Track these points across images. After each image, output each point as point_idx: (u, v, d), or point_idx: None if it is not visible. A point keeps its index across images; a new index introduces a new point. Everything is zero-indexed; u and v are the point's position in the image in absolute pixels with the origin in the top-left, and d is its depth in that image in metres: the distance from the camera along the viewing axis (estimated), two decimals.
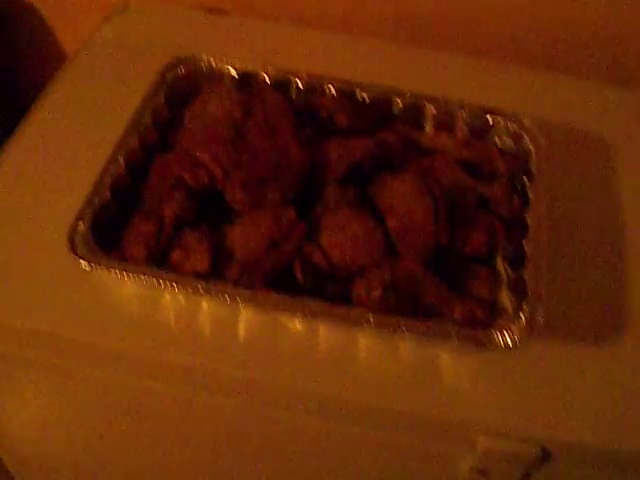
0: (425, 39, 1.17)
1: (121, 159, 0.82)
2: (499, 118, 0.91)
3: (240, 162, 0.79)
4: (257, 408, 0.80)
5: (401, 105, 0.92)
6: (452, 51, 1.07)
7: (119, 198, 0.80)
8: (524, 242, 0.78)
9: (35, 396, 0.93)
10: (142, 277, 0.73)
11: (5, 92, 1.43)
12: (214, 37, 1.06)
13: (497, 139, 0.91)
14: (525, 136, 0.88)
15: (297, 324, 0.76)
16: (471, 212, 0.82)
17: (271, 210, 0.78)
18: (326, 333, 0.76)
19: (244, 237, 0.76)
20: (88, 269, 0.74)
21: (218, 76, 0.94)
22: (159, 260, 0.77)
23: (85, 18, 1.19)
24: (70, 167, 0.88)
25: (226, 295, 0.72)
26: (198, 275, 0.74)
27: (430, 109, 0.92)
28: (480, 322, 0.74)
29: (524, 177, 0.86)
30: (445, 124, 0.92)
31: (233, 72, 0.94)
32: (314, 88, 0.93)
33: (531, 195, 0.83)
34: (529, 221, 0.80)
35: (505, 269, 0.80)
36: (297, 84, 0.93)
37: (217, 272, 0.75)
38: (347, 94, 0.92)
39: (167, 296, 0.78)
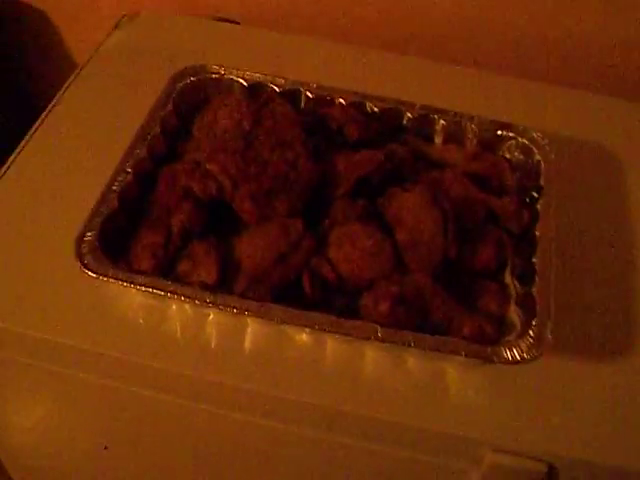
0: (435, 52, 1.18)
1: (129, 169, 0.82)
2: (508, 131, 0.90)
3: (249, 173, 0.79)
4: (262, 420, 0.79)
5: (411, 117, 0.92)
6: (462, 64, 1.07)
7: (127, 208, 0.80)
8: (533, 257, 0.78)
9: (39, 404, 0.93)
10: (149, 288, 0.73)
11: (15, 100, 1.44)
12: (224, 47, 1.06)
13: (506, 152, 0.90)
14: (534, 149, 0.88)
15: (304, 337, 0.76)
16: (480, 226, 0.81)
17: (279, 222, 0.77)
18: (333, 346, 0.76)
19: (252, 249, 0.76)
20: (95, 279, 0.73)
21: (227, 86, 0.94)
22: (166, 271, 0.76)
23: (95, 27, 1.19)
24: (78, 176, 0.88)
25: (233, 307, 0.72)
26: (205, 286, 0.74)
27: (440, 122, 0.92)
28: (489, 338, 0.73)
29: (533, 191, 0.85)
30: (454, 137, 0.92)
31: (242, 82, 0.94)
32: (323, 99, 0.92)
33: (540, 209, 0.82)
34: (538, 236, 0.80)
35: (514, 284, 0.79)
36: (306, 95, 0.93)
37: (224, 284, 0.75)
38: (357, 106, 0.91)
39: (174, 307, 0.77)
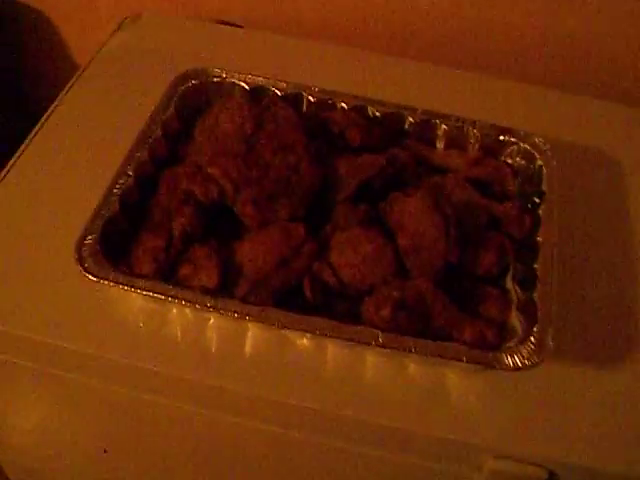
0: (438, 56, 1.17)
1: (131, 172, 0.82)
2: (510, 136, 0.90)
3: (250, 177, 0.78)
4: (263, 425, 0.79)
5: (412, 122, 0.92)
6: (465, 69, 1.06)
7: (128, 211, 0.80)
8: (535, 263, 0.78)
9: (39, 407, 0.93)
10: (150, 292, 0.73)
11: (16, 101, 1.44)
12: (226, 50, 1.06)
13: (508, 157, 0.90)
14: (536, 155, 0.88)
15: (305, 342, 0.76)
16: (482, 231, 0.81)
17: (281, 226, 0.77)
18: (334, 351, 0.76)
19: (253, 253, 0.76)
20: (95, 282, 0.73)
21: (229, 89, 0.94)
22: (167, 274, 0.76)
23: (96, 28, 1.19)
24: (79, 179, 0.88)
25: (234, 312, 0.72)
26: (206, 291, 0.73)
27: (441, 126, 0.92)
28: (490, 343, 0.73)
29: (535, 196, 0.85)
30: (456, 142, 0.92)
31: (244, 85, 0.94)
32: (325, 103, 0.92)
33: (542, 215, 0.82)
34: (540, 241, 0.80)
35: (515, 290, 0.79)
36: (308, 99, 0.93)
37: (226, 288, 0.75)
38: (358, 110, 0.91)
39: (174, 311, 0.77)
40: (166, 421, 0.85)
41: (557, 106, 1.02)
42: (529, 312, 0.75)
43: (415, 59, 1.08)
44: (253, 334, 0.76)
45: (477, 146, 0.91)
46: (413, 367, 0.75)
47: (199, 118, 0.89)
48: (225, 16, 1.24)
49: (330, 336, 0.72)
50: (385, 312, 0.72)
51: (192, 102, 0.92)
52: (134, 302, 0.77)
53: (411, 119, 0.92)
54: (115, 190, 0.80)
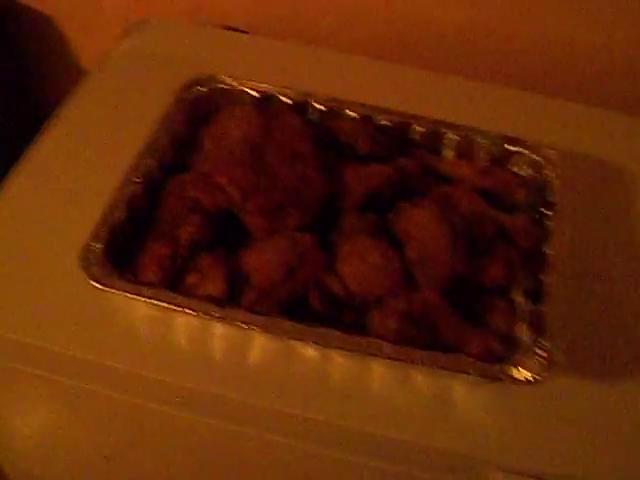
0: (447, 65, 1.17)
1: (138, 179, 0.81)
2: (518, 146, 0.90)
3: (258, 186, 0.78)
4: (267, 435, 0.79)
5: (420, 131, 0.91)
6: (474, 78, 1.06)
7: (135, 218, 0.79)
8: (543, 274, 0.77)
9: (41, 414, 0.93)
10: (155, 300, 0.72)
11: (22, 106, 1.44)
12: (233, 57, 1.06)
13: (517, 168, 0.90)
14: (545, 165, 0.88)
15: (311, 352, 0.75)
16: (489, 242, 0.81)
17: (289, 236, 0.77)
18: (340, 362, 0.76)
19: (261, 263, 0.75)
20: (101, 290, 0.73)
21: (237, 97, 0.93)
22: (173, 283, 0.76)
23: (103, 33, 1.19)
24: (86, 186, 0.87)
25: (240, 322, 0.71)
26: (213, 300, 0.73)
27: (449, 136, 0.91)
28: (497, 356, 0.72)
29: (543, 207, 0.85)
30: (464, 152, 0.91)
31: (252, 93, 0.93)
32: (333, 112, 0.92)
33: (551, 226, 0.82)
34: (548, 253, 0.79)
35: (522, 302, 0.78)
36: (316, 107, 0.92)
37: (232, 297, 0.74)
38: (366, 119, 0.91)
39: (180, 319, 0.77)
40: (168, 429, 0.85)
41: (566, 116, 1.02)
42: (537, 324, 0.74)
43: (424, 67, 1.08)
44: (259, 343, 0.76)
45: (485, 156, 0.91)
46: (419, 379, 0.75)
47: (207, 125, 0.89)
48: (230, 21, 1.24)
49: (336, 347, 0.71)
50: (392, 324, 0.72)
51: (200, 109, 0.92)
52: (139, 310, 0.77)
53: (419, 128, 0.91)
54: (122, 197, 0.79)
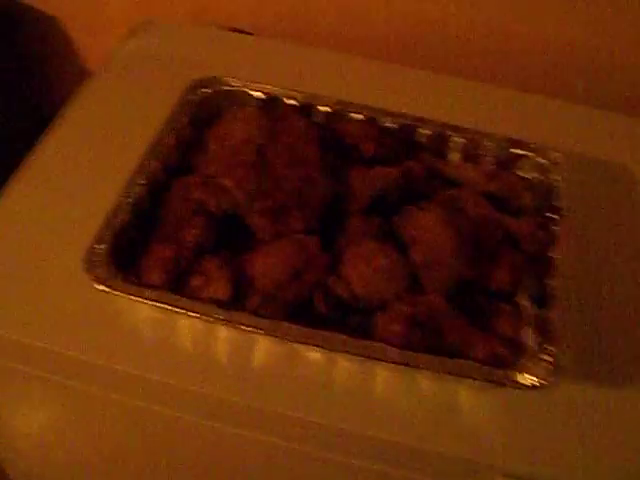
0: (453, 67, 1.17)
1: (142, 180, 0.81)
2: (525, 150, 0.89)
3: (263, 188, 0.78)
4: (270, 438, 0.78)
5: (426, 134, 0.91)
6: (480, 81, 1.05)
7: (139, 220, 0.79)
8: (549, 279, 0.77)
9: (44, 415, 0.93)
10: (159, 303, 0.72)
11: (27, 107, 1.43)
12: (238, 58, 1.05)
13: (523, 171, 0.89)
14: (552, 169, 0.87)
15: (316, 355, 0.75)
16: (495, 246, 0.80)
17: (294, 239, 0.77)
18: (345, 366, 0.75)
19: (266, 266, 0.75)
20: (105, 292, 0.73)
21: (242, 98, 0.93)
22: (178, 285, 0.75)
23: (107, 34, 1.19)
24: (90, 187, 0.87)
25: (245, 325, 0.71)
26: (217, 303, 0.73)
27: (455, 139, 0.91)
28: (503, 361, 0.72)
29: (550, 211, 0.84)
30: (471, 155, 0.91)
31: (257, 94, 0.93)
32: (339, 114, 0.92)
33: (557, 230, 0.82)
34: (555, 257, 0.79)
35: (528, 306, 0.78)
36: (322, 109, 0.92)
37: (236, 300, 0.74)
38: (372, 121, 0.91)
39: (184, 322, 0.76)
40: (172, 432, 0.85)
41: (574, 119, 1.01)
42: (543, 329, 0.74)
43: (430, 70, 1.07)
44: (263, 347, 0.76)
45: (491, 159, 0.90)
46: (424, 383, 0.75)
47: (211, 127, 0.89)
48: (235, 23, 1.23)
49: (341, 351, 0.71)
50: (397, 328, 0.72)
51: (204, 111, 0.91)
52: (143, 312, 0.77)
53: (425, 131, 0.91)
54: (126, 199, 0.79)
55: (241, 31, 1.20)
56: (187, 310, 0.72)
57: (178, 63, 1.03)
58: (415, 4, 1.15)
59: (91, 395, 0.81)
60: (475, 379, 0.70)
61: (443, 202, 0.82)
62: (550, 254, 0.80)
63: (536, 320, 0.76)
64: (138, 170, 0.82)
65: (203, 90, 0.93)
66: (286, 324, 0.71)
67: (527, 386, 0.69)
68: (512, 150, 0.90)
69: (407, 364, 0.70)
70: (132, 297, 0.73)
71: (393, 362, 0.70)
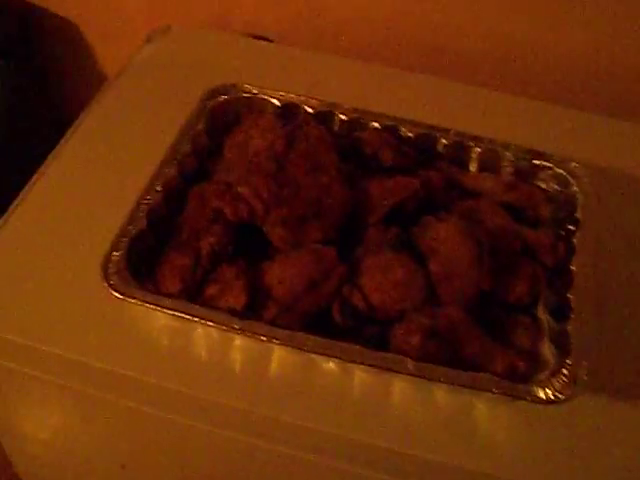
0: (472, 76, 1.16)
1: (159, 187, 0.81)
2: (545, 161, 0.88)
3: (281, 197, 0.77)
4: (284, 448, 0.78)
5: (445, 144, 0.91)
6: (501, 90, 1.05)
7: (155, 227, 0.79)
8: (568, 292, 0.76)
9: (59, 421, 0.92)
10: (175, 311, 0.72)
11: (44, 112, 1.44)
12: (256, 65, 1.05)
13: (542, 183, 0.89)
14: (572, 181, 0.86)
15: (332, 366, 0.74)
16: (514, 258, 0.80)
17: (312, 249, 0.76)
18: (361, 377, 0.75)
19: (283, 275, 0.75)
20: (121, 300, 0.72)
21: (260, 105, 0.93)
22: (194, 294, 0.75)
23: (126, 39, 1.19)
24: (106, 193, 0.87)
25: (261, 334, 0.70)
26: (233, 312, 0.72)
27: (475, 149, 0.90)
28: (521, 375, 0.71)
29: (569, 223, 0.83)
30: (489, 165, 0.90)
31: (275, 102, 0.93)
32: (357, 122, 0.91)
33: (577, 243, 0.81)
34: (574, 270, 0.78)
35: (547, 319, 0.77)
36: (340, 117, 0.92)
37: (253, 309, 0.74)
38: (391, 130, 0.90)
39: (200, 331, 0.76)
40: (186, 440, 0.84)
41: (593, 130, 1.00)
42: (562, 343, 0.73)
43: (450, 79, 1.07)
44: (279, 357, 0.75)
45: (511, 169, 0.90)
46: (441, 396, 0.74)
47: (229, 134, 0.89)
48: (255, 30, 1.23)
49: (358, 362, 0.70)
50: (415, 340, 0.71)
51: (222, 118, 0.91)
52: (159, 320, 0.76)
53: (444, 140, 0.90)
54: (143, 206, 0.79)
55: (261, 38, 1.20)
56: (203, 319, 0.71)
57: (196, 69, 1.03)
58: (435, 14, 1.14)
59: (106, 402, 0.81)
60: (493, 392, 0.69)
61: (462, 213, 0.81)
62: (569, 266, 0.79)
63: (554, 333, 0.75)
64: (155, 177, 0.82)
65: (221, 97, 0.93)
66: (302, 334, 0.71)
67: (544, 400, 0.68)
68: (532, 161, 0.89)
69: (424, 376, 0.70)
70: (148, 305, 0.72)
71: (410, 374, 0.70)
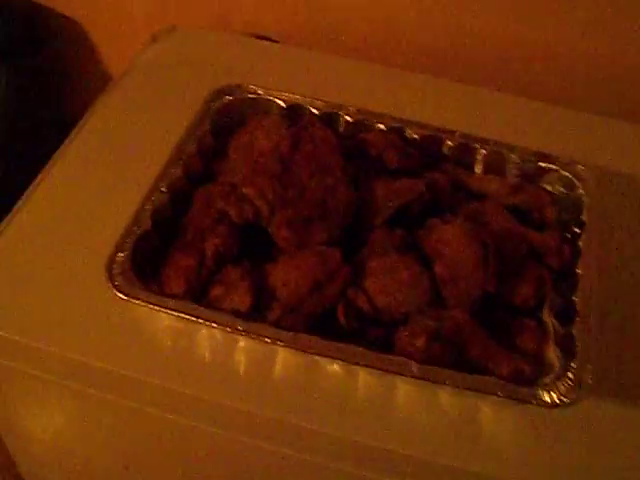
0: (477, 78, 1.16)
1: (164, 188, 0.81)
2: (551, 163, 0.88)
3: (286, 199, 0.77)
4: (287, 450, 0.77)
5: (450, 146, 0.90)
6: (507, 92, 1.05)
7: (160, 228, 0.79)
8: (573, 295, 0.76)
9: (62, 422, 0.92)
10: (180, 313, 0.72)
11: (48, 112, 1.44)
12: (262, 66, 1.05)
13: (548, 185, 0.89)
14: (578, 183, 0.86)
15: (336, 368, 0.74)
16: (520, 261, 0.79)
17: (316, 250, 0.76)
18: (365, 379, 0.74)
19: (287, 277, 0.75)
20: (125, 301, 0.72)
21: (265, 106, 0.93)
22: (198, 295, 0.75)
23: (131, 40, 1.19)
24: (111, 194, 0.87)
25: (266, 336, 0.70)
26: (238, 313, 0.72)
27: (480, 151, 0.90)
28: (527, 378, 0.71)
29: (575, 226, 0.83)
30: (495, 167, 0.90)
31: (280, 103, 0.93)
32: (363, 124, 0.91)
33: (582, 246, 0.81)
34: (580, 273, 0.78)
35: (552, 322, 0.77)
36: (345, 119, 0.92)
37: (257, 311, 0.74)
38: (396, 132, 0.90)
39: (204, 332, 0.76)
40: (190, 442, 0.84)
41: (601, 133, 1.00)
42: (567, 346, 0.73)
43: (455, 80, 1.06)
44: (283, 358, 0.75)
45: (516, 172, 0.89)
46: (445, 399, 0.74)
47: (234, 135, 0.88)
48: (260, 30, 1.23)
49: (362, 364, 0.70)
50: (420, 342, 0.71)
51: (227, 118, 0.91)
52: (163, 321, 0.76)
53: (449, 142, 0.91)
54: (147, 206, 0.79)
55: (266, 38, 1.20)
56: (207, 320, 0.71)
57: (201, 70, 1.03)
58: (443, 15, 1.14)
59: (110, 403, 0.81)
60: (498, 396, 0.69)
61: (467, 215, 0.81)
62: (575, 269, 0.79)
63: (560, 337, 0.75)
64: (160, 177, 0.82)
65: (226, 97, 0.93)
66: (306, 336, 0.71)
67: (549, 403, 0.68)
68: (538, 163, 0.89)
69: (428, 379, 0.70)
70: (152, 306, 0.72)
71: (414, 377, 0.70)
